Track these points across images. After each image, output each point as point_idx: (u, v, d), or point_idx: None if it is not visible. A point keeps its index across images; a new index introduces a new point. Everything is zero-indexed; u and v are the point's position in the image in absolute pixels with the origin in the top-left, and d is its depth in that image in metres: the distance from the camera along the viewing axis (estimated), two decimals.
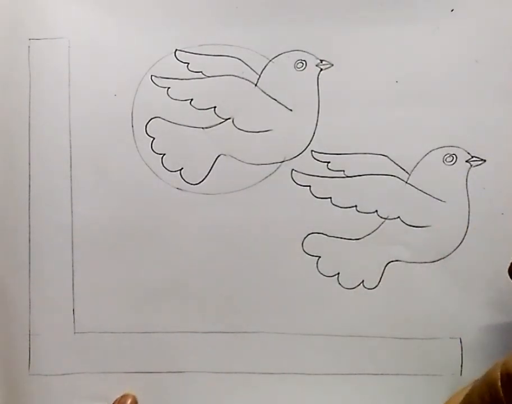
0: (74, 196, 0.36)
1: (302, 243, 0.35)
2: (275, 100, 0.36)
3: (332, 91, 0.35)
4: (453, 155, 0.34)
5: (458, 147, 0.35)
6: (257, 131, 0.36)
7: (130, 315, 0.36)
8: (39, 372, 0.36)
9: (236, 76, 0.36)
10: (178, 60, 0.36)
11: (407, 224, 0.35)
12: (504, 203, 0.34)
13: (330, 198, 0.35)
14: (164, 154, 0.36)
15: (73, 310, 0.36)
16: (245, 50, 0.36)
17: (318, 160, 0.36)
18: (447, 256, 0.35)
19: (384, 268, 0.35)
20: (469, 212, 0.34)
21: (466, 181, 0.35)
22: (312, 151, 0.36)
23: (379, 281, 0.35)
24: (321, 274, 0.35)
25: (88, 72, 0.36)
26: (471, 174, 0.34)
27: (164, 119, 0.36)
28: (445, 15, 0.35)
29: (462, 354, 0.35)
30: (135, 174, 0.36)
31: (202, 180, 0.36)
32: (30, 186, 0.36)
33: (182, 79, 0.36)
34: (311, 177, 0.36)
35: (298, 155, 0.36)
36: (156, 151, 0.36)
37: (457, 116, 0.35)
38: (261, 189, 0.36)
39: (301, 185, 0.36)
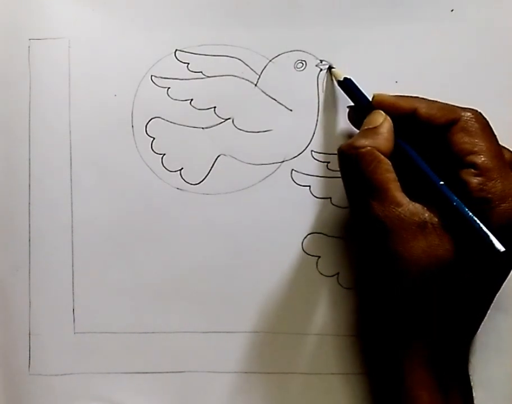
0: (74, 196, 0.36)
1: (302, 243, 0.35)
2: (275, 100, 0.36)
3: (332, 91, 0.35)
4: None
5: None
6: (257, 131, 0.36)
7: (130, 315, 0.36)
8: (39, 372, 0.36)
9: (236, 76, 0.36)
10: (178, 60, 0.36)
11: None
12: None
13: (330, 198, 0.35)
14: (164, 154, 0.36)
15: (73, 310, 0.36)
16: (245, 50, 0.36)
17: (317, 160, 0.36)
18: None
19: None
20: None
21: None
22: (312, 151, 0.36)
23: None
24: (321, 274, 0.35)
25: (88, 72, 0.36)
26: None
27: (164, 119, 0.36)
28: (445, 15, 0.35)
29: None
30: (135, 174, 0.36)
31: (202, 180, 0.36)
32: (30, 186, 0.36)
33: (182, 79, 0.36)
34: (311, 177, 0.36)
35: (298, 155, 0.36)
36: (156, 151, 0.36)
37: None
38: (261, 189, 0.36)
39: (301, 185, 0.36)
